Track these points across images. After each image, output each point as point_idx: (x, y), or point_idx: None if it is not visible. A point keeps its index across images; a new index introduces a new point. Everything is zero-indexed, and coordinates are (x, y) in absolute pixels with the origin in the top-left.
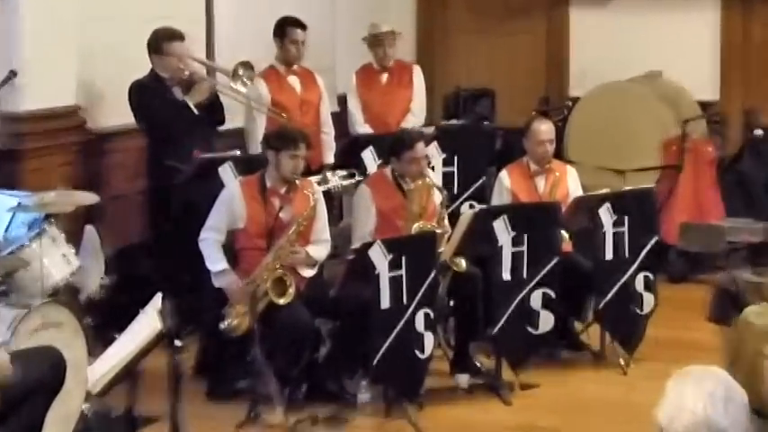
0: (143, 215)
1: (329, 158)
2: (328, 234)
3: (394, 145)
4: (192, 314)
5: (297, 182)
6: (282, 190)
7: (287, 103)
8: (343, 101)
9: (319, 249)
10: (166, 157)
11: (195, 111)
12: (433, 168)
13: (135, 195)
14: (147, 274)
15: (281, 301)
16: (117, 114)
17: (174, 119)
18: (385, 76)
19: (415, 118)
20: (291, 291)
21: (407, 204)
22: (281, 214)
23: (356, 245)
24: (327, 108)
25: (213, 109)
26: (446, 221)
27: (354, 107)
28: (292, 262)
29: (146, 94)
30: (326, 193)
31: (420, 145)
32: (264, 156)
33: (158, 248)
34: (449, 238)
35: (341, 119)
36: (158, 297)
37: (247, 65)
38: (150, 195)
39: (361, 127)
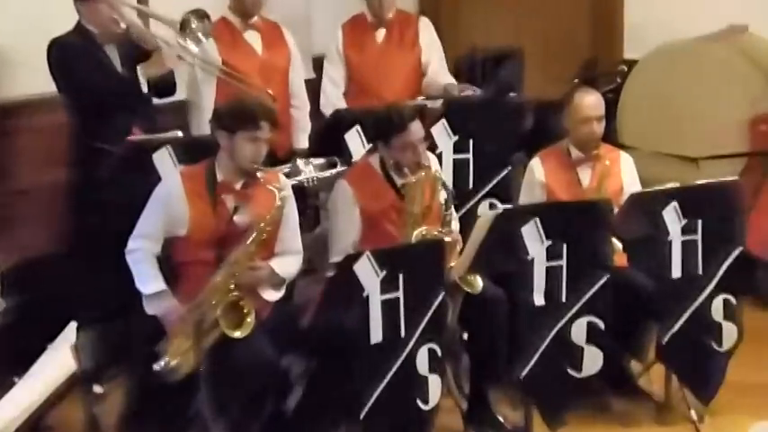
0: (56, 217)
1: (302, 142)
2: (300, 243)
3: (379, 125)
4: (117, 350)
5: (258, 174)
6: (238, 185)
7: (243, 68)
8: (320, 64)
9: (288, 264)
10: (96, 139)
11: (145, 86)
12: (439, 156)
13: (46, 190)
14: (59, 297)
15: (237, 334)
16: (22, 81)
17: (109, 87)
18: (381, 33)
19: (450, 79)
20: (250, 320)
21: (404, 205)
22: (235, 217)
23: (336, 258)
24: (300, 74)
25: (165, 83)
26: (454, 226)
27: (334, 73)
28: (251, 281)
29: (71, 55)
30: (298, 189)
31: (415, 125)
32: (214, 138)
33: (74, 262)
34: (461, 250)
35: (316, 89)
36: (72, 327)
37: (201, 14)
38: (70, 190)
39: (339, 101)
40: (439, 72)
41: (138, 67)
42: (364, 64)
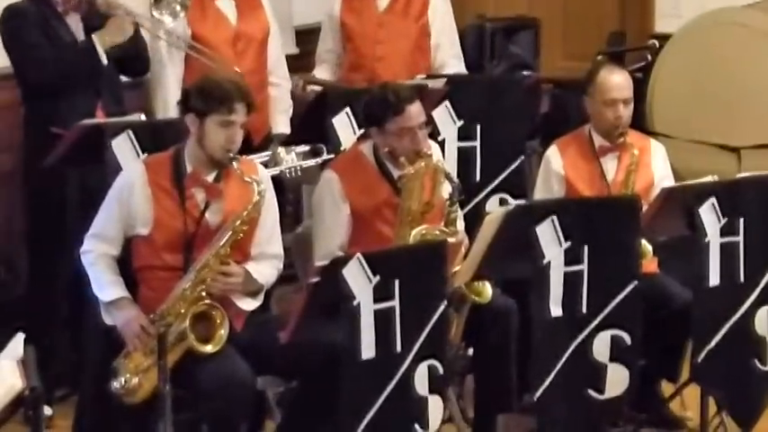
0: (1, 211)
1: (282, 126)
2: (280, 245)
3: (372, 108)
4: (69, 367)
5: (233, 164)
6: (210, 177)
7: (214, 40)
8: (304, 38)
9: (265, 268)
10: (53, 121)
11: (104, 57)
12: (442, 143)
13: None
14: (3, 304)
15: (207, 349)
16: None
17: (70, 64)
18: (384, 1)
19: (458, 60)
20: (222, 333)
21: (400, 200)
22: (206, 215)
23: (321, 263)
24: (277, 46)
25: (131, 56)
26: (459, 225)
27: (329, 41)
28: (224, 288)
29: (25, 26)
30: (277, 182)
31: (414, 108)
32: (182, 123)
33: (21, 264)
34: (466, 252)
35: (299, 66)
36: (18, 340)
37: None
38: (21, 180)
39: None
40: (447, 62)
41: (94, 37)
42: (360, 34)
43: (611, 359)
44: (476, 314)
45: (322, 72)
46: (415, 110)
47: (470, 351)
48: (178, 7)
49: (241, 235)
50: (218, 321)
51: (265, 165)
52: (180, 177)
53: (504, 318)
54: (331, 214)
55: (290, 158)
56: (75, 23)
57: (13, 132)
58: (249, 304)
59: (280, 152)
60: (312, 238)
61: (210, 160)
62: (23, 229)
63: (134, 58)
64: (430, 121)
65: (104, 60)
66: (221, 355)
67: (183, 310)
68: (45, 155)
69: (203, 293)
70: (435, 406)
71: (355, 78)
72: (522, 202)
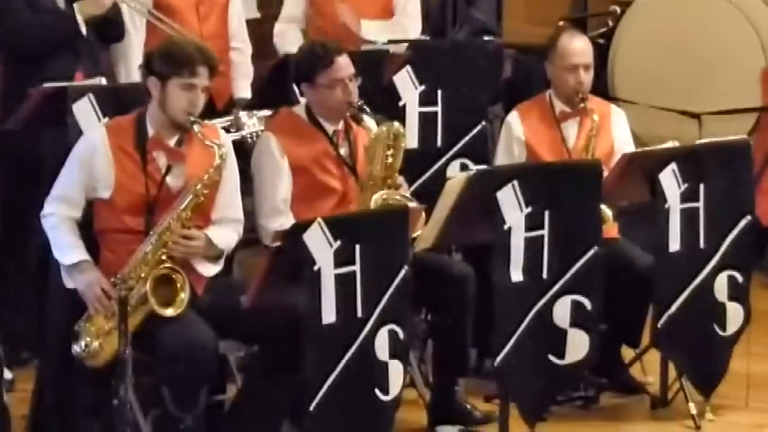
0: None
1: (243, 90)
2: (240, 210)
3: (302, 63)
4: (29, 331)
5: (194, 128)
6: (171, 141)
7: (177, 4)
8: (266, 3)
9: (226, 233)
10: (32, 84)
11: (83, 27)
12: (403, 108)
13: None
14: None
15: (168, 312)
16: None
17: (50, 30)
18: None
19: (410, 24)
20: (184, 296)
21: (366, 165)
22: (168, 179)
23: (268, 223)
24: (239, 10)
25: (109, 25)
26: (403, 185)
27: (292, 8)
28: (184, 252)
29: None
30: (239, 146)
31: (343, 59)
32: (144, 86)
33: None
34: (427, 218)
35: (261, 32)
36: None
37: None
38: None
39: (293, 44)
40: (401, 20)
41: (75, 7)
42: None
43: (572, 324)
44: (434, 280)
45: (288, 38)
46: (344, 61)
47: (431, 316)
48: None
49: (202, 198)
50: (180, 285)
51: (227, 129)
52: (142, 141)
53: (462, 284)
54: (271, 170)
55: (252, 123)
56: None
57: None
58: (210, 269)
59: (241, 116)
60: (254, 198)
61: (172, 124)
62: None
63: (110, 24)
64: (391, 86)
65: (83, 30)
66: (183, 319)
67: (143, 274)
68: None
69: (164, 257)
70: (396, 371)
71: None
72: (483, 167)
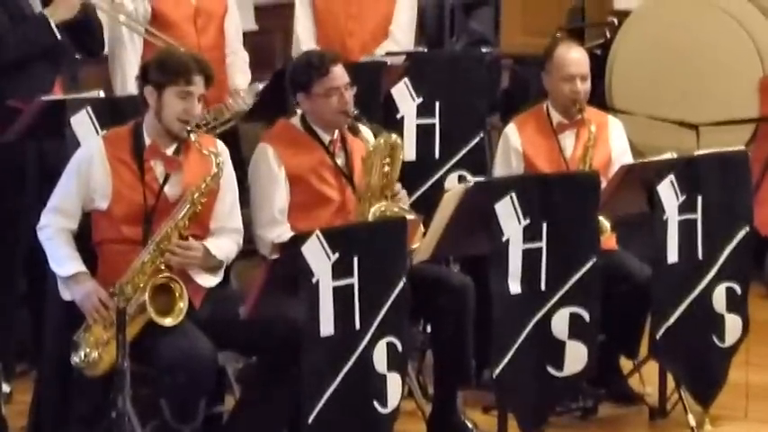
0: None
1: (240, 84)
2: (239, 220)
3: (297, 73)
4: (27, 342)
5: (191, 136)
6: (169, 150)
7: (175, 16)
8: (264, 15)
9: (225, 243)
10: (10, 95)
11: (56, 32)
12: (401, 120)
13: None
14: None
15: (167, 322)
16: None
17: (26, 37)
18: None
19: (398, 41)
20: (182, 305)
21: (364, 176)
22: (165, 188)
23: (265, 233)
24: (235, 22)
25: (84, 31)
26: (402, 194)
27: (305, 20)
28: (182, 262)
29: None
30: (236, 156)
31: (338, 69)
32: (141, 96)
33: None
34: (425, 229)
35: (258, 44)
36: None
37: None
38: None
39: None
40: (392, 30)
41: (45, 11)
42: (331, 9)
43: (571, 336)
44: (433, 291)
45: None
46: (339, 70)
47: (429, 328)
48: None
49: (199, 207)
50: (178, 294)
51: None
52: (139, 150)
53: (461, 295)
54: (268, 180)
55: (242, 101)
56: None
57: None
58: (208, 280)
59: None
60: (251, 208)
61: (169, 133)
62: None
63: (85, 34)
64: (389, 98)
65: (57, 35)
66: (181, 330)
67: (142, 284)
68: (1, 129)
69: (162, 266)
70: (394, 383)
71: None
72: (480, 178)
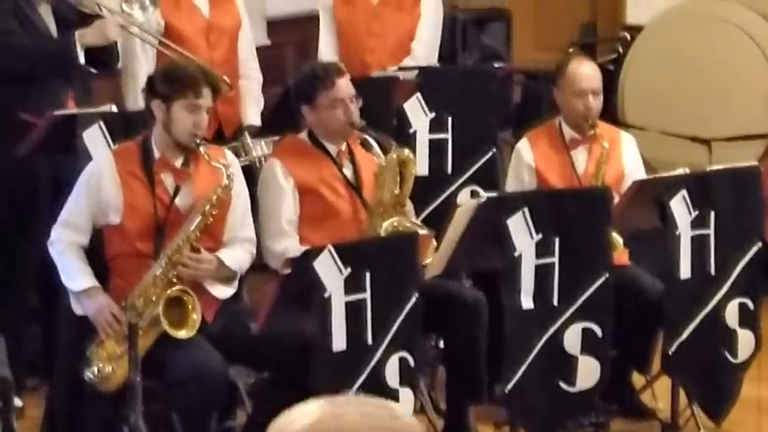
0: None
1: (253, 118)
2: (252, 230)
3: (303, 85)
4: (39, 357)
5: (201, 149)
6: (177, 162)
7: (187, 31)
8: (276, 30)
9: (238, 253)
10: (23, 107)
11: (81, 56)
12: (413, 135)
13: None
14: None
15: (181, 335)
16: None
17: (46, 53)
18: None
19: (418, 58)
20: (196, 317)
21: (375, 191)
22: (176, 200)
23: (273, 245)
24: (248, 38)
25: (104, 53)
26: (408, 208)
27: (326, 34)
28: (194, 274)
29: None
30: (246, 171)
31: (343, 81)
32: (149, 110)
33: None
34: (437, 245)
35: (271, 59)
36: None
37: None
38: None
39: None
40: (414, 47)
41: (76, 34)
42: (352, 24)
43: (583, 351)
44: (446, 306)
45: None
46: (344, 82)
47: (441, 343)
48: (147, 1)
49: (210, 219)
50: (191, 307)
51: (236, 154)
52: (148, 164)
53: (474, 310)
54: (275, 193)
55: (260, 147)
56: (45, 13)
57: None
58: (223, 292)
59: (250, 143)
60: (260, 220)
61: (178, 145)
62: None
63: (102, 51)
64: (401, 113)
65: (81, 59)
66: (193, 345)
67: (154, 297)
68: (14, 142)
69: (175, 279)
70: (406, 398)
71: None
72: (493, 194)
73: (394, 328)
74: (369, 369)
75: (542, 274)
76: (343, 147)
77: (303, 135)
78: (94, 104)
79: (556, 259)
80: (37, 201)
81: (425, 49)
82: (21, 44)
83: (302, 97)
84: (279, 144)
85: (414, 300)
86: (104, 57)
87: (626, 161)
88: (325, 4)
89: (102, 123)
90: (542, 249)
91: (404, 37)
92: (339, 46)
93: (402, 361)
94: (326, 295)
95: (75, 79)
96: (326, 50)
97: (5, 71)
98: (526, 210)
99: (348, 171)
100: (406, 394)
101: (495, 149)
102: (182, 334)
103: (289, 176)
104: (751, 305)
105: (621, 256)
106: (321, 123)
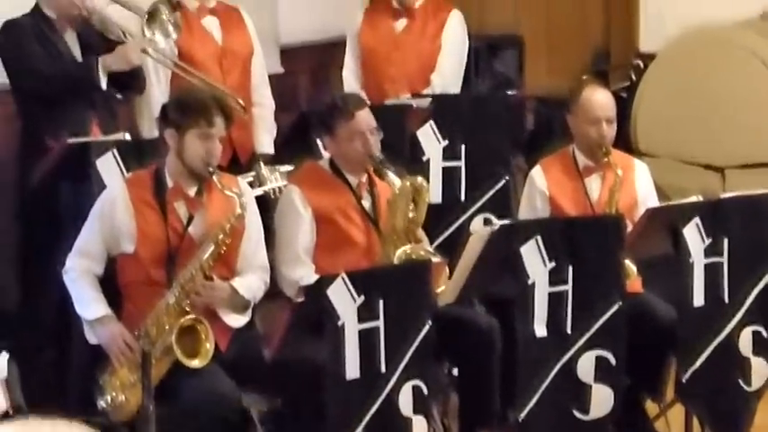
0: None
1: (266, 146)
2: (265, 258)
3: (323, 116)
4: (54, 384)
5: (214, 177)
6: (191, 190)
7: (200, 57)
8: (289, 57)
9: (251, 281)
10: (48, 133)
11: (104, 81)
12: (427, 163)
13: None
14: None
15: (195, 363)
16: None
17: (69, 78)
18: (403, 23)
19: (439, 83)
20: (209, 346)
21: (389, 219)
22: (189, 229)
23: (288, 272)
24: (261, 65)
25: (130, 77)
26: (422, 237)
27: (350, 60)
28: (207, 302)
29: (24, 37)
30: (261, 200)
31: (363, 113)
32: (162, 138)
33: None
34: (450, 272)
35: (283, 86)
36: (2, 360)
37: (172, 4)
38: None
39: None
40: (434, 80)
41: (99, 60)
42: (374, 51)
43: (596, 379)
44: (459, 333)
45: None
46: (365, 114)
47: (455, 371)
48: (171, 27)
49: (224, 248)
50: (204, 336)
51: (251, 185)
52: (161, 192)
53: (488, 337)
54: (293, 220)
55: (275, 177)
56: (71, 39)
57: (9, 146)
58: (237, 320)
59: (264, 172)
60: (275, 246)
61: (191, 174)
62: (11, 243)
63: (129, 75)
64: (414, 141)
65: (104, 84)
66: (206, 372)
67: (168, 326)
68: (36, 165)
69: (188, 308)
70: (420, 426)
71: (365, 93)
72: (506, 221)
73: (407, 357)
74: (382, 397)
75: (555, 301)
76: (364, 178)
77: (324, 162)
78: (120, 128)
79: (569, 287)
80: (59, 226)
81: (444, 80)
82: (41, 66)
83: (322, 127)
84: (298, 170)
85: (427, 327)
86: (131, 81)
87: (639, 189)
88: (352, 30)
89: (115, 152)
90: (555, 277)
91: (424, 66)
92: (362, 73)
93: (415, 389)
94: (340, 323)
95: (99, 104)
96: (348, 76)
97: (28, 94)
98: (539, 237)
99: (366, 203)
100: (420, 422)
101: (508, 177)
102: (195, 363)
103: (307, 204)
104: (765, 333)
105: (635, 283)
106: (341, 154)
